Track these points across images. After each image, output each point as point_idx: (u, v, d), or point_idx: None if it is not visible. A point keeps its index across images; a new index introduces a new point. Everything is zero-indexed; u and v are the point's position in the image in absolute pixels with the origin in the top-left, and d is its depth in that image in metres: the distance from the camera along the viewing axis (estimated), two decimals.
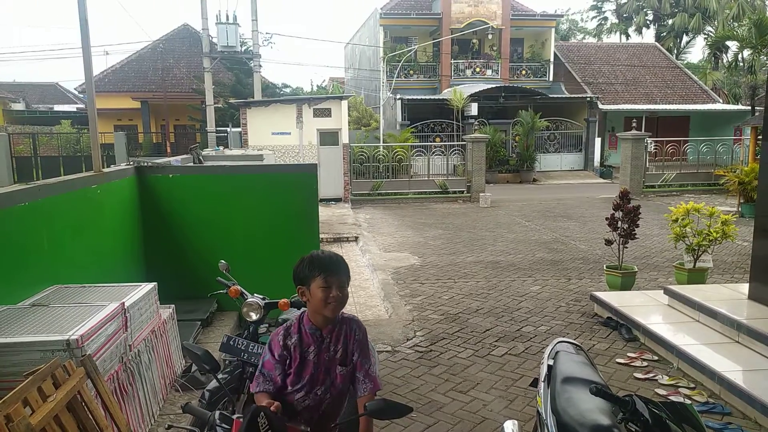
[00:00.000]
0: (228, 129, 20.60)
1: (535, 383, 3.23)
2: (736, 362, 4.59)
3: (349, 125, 18.95)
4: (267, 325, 4.24)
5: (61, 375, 2.44)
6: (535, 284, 7.61)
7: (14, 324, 2.88)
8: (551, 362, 3.12)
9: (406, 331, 5.86)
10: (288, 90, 32.00)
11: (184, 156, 8.17)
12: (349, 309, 7.36)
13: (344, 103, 16.77)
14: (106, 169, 5.03)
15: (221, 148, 13.74)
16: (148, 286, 3.83)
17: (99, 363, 2.82)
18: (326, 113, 16.34)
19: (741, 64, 25.87)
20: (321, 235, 10.57)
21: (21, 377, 2.39)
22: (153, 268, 5.44)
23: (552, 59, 27.95)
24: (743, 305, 5.40)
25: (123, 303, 3.33)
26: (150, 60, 29.64)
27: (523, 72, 28.18)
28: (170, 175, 5.57)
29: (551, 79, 27.89)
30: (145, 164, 5.68)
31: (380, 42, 26.51)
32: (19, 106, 33.12)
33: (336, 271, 2.17)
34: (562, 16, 33.52)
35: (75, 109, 33.46)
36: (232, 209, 5.55)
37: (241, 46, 22.06)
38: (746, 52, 23.69)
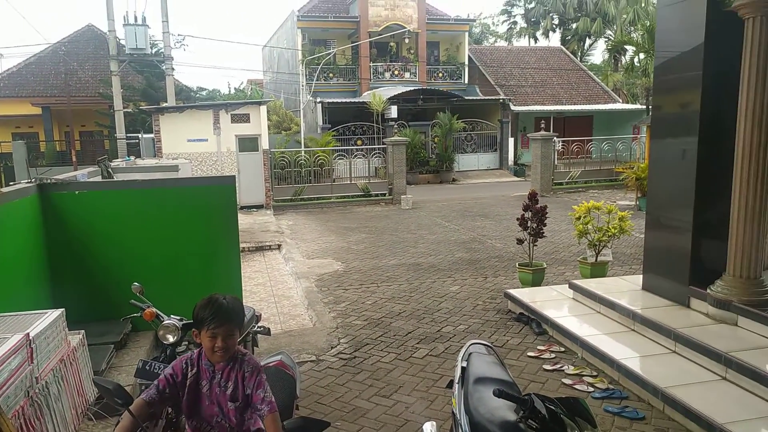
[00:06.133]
0: (140, 135, 19.68)
1: (450, 385, 3.40)
2: (632, 350, 5.03)
3: (269, 129, 18.70)
4: (186, 343, 4.18)
5: None
6: (454, 284, 7.91)
7: None
8: (464, 364, 3.30)
9: (330, 339, 5.94)
10: (204, 93, 31.04)
11: (92, 169, 7.78)
12: (272, 320, 7.33)
13: (263, 109, 16.54)
14: (4, 189, 4.73)
15: (132, 158, 13.14)
16: (55, 313, 3.66)
17: (2, 400, 2.69)
18: (245, 119, 16.05)
19: (638, 65, 27.92)
20: (243, 245, 10.39)
21: None
22: (60, 291, 5.17)
23: (467, 62, 28.89)
24: (638, 296, 5.91)
25: (28, 333, 3.18)
26: (51, 63, 27.74)
27: (440, 75, 28.93)
28: (76, 192, 5.32)
29: (467, 81, 28.82)
30: (48, 181, 5.39)
31: (298, 45, 26.33)
32: None
33: (223, 322, 2.28)
34: (474, 20, 34.57)
35: None
36: (147, 225, 5.37)
37: (151, 48, 21.19)
38: (641, 56, 25.59)
